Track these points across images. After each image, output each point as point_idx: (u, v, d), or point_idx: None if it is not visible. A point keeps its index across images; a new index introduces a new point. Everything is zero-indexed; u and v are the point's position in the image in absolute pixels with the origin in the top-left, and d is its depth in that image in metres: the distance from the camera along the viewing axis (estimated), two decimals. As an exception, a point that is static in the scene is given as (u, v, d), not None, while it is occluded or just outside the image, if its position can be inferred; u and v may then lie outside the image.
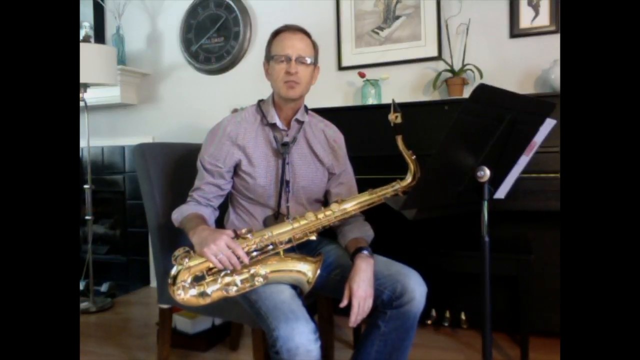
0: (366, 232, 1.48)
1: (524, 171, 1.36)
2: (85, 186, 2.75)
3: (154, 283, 3.13)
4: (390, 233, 2.10)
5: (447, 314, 2.19)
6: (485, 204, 1.21)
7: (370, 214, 1.47)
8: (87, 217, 2.76)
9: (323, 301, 1.81)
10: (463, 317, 2.17)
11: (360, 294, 1.27)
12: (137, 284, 3.18)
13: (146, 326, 2.42)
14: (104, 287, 2.98)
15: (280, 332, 1.16)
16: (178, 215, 1.44)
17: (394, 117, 1.33)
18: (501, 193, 1.34)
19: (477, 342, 2.08)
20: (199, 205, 1.47)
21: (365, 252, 1.35)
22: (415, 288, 1.32)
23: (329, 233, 1.53)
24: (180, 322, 2.12)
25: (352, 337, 2.08)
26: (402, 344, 1.35)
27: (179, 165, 1.76)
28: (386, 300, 1.33)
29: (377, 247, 1.45)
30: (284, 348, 1.15)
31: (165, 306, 1.70)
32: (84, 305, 2.67)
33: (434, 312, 2.19)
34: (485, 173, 1.18)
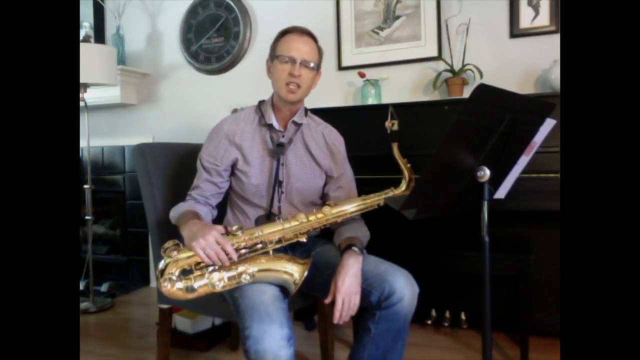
0: (362, 232, 1.46)
1: (524, 171, 1.35)
2: (85, 186, 2.75)
3: (154, 283, 3.13)
4: (391, 233, 2.10)
5: (447, 314, 2.18)
6: (485, 204, 1.21)
7: (370, 213, 1.47)
8: (87, 217, 2.76)
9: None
10: (463, 317, 2.16)
11: (345, 290, 1.25)
12: (137, 284, 3.18)
13: (146, 326, 2.42)
14: (104, 287, 2.98)
15: (252, 332, 1.14)
16: (174, 213, 1.44)
17: (391, 125, 1.33)
18: (501, 193, 1.34)
19: (477, 342, 2.08)
20: (196, 203, 1.47)
21: (355, 248, 1.33)
22: (405, 287, 1.28)
23: (325, 234, 1.53)
24: (180, 322, 2.12)
25: (353, 337, 2.07)
26: (394, 345, 1.32)
27: (179, 165, 1.76)
28: (375, 302, 1.30)
29: (377, 247, 1.45)
30: (252, 349, 1.13)
31: (165, 306, 1.70)
32: (84, 305, 2.67)
33: (434, 312, 2.19)
34: (485, 173, 1.17)
